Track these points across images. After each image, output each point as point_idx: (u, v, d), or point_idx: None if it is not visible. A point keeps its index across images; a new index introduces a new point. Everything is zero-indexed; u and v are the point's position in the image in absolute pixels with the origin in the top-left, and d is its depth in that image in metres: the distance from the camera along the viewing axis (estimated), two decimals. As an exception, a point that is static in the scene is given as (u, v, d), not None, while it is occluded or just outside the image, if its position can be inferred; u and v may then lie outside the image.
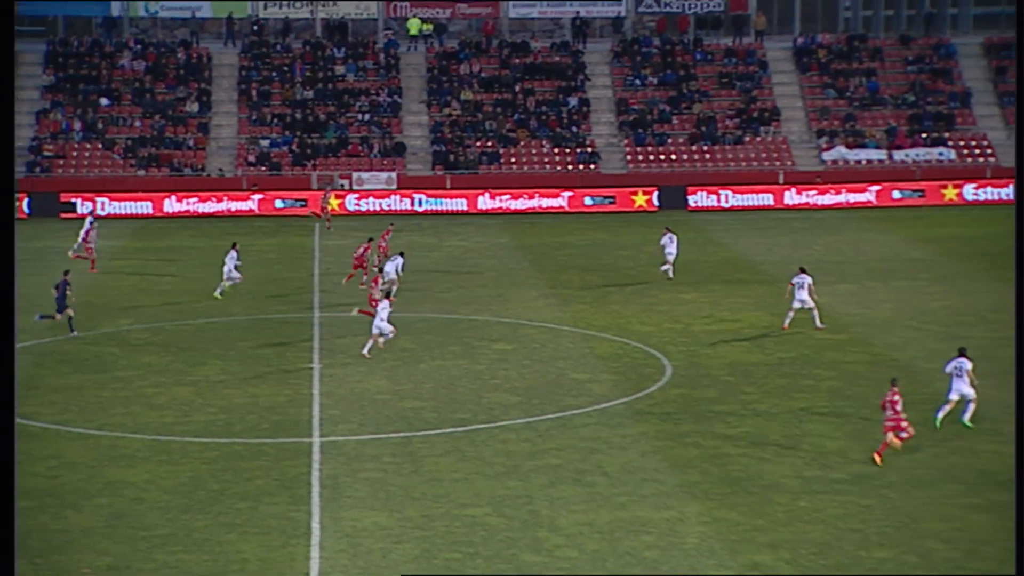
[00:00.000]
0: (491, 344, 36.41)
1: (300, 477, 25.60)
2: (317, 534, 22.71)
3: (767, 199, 63.11)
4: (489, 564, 21.52)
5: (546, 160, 66.82)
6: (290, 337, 37.27)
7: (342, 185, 62.64)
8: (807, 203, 62.47)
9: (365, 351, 34.56)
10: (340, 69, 70.79)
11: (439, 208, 63.00)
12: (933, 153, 66.27)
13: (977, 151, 66.51)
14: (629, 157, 67.18)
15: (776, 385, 31.88)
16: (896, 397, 26.00)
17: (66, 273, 37.99)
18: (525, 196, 62.81)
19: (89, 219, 49.11)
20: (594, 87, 71.16)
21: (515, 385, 32.23)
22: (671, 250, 44.73)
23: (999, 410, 29.18)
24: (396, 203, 62.77)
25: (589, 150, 67.10)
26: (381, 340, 34.58)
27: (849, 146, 67.06)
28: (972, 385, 27.75)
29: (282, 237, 55.80)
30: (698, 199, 63.16)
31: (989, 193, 63.04)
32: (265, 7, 72.50)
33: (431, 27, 73.24)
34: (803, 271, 37.44)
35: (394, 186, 63.85)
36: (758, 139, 68.01)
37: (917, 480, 24.88)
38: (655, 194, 63.27)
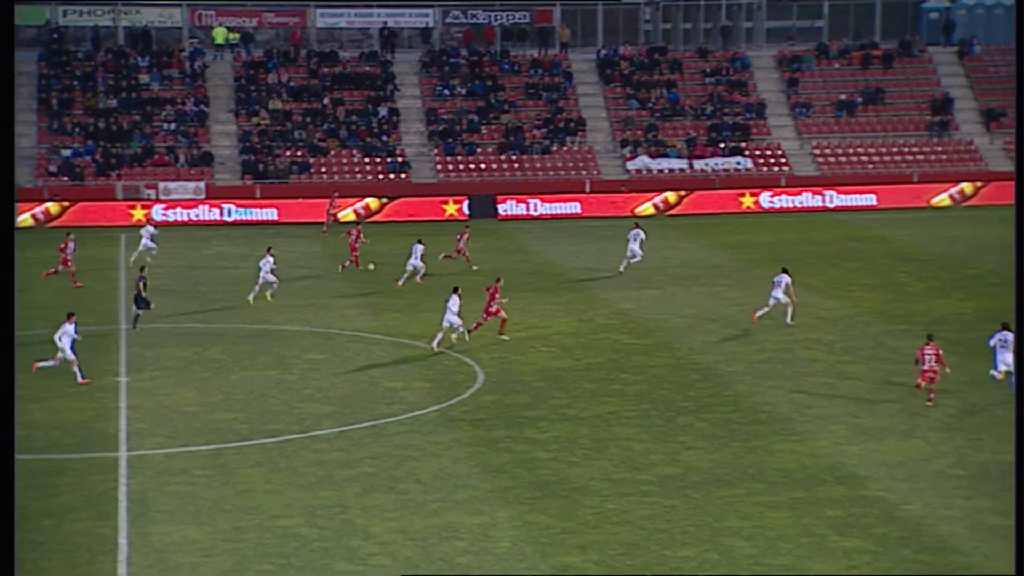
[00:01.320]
0: (303, 354, 36.08)
1: (107, 492, 24.96)
2: (124, 550, 22.18)
3: (574, 207, 64.00)
4: (301, 575, 21.32)
5: (357, 169, 66.54)
6: (96, 350, 36.27)
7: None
8: (614, 212, 63.62)
9: (435, 344, 35.93)
10: (144, 78, 69.29)
11: (249, 218, 62.15)
12: (731, 162, 68.13)
13: (772, 160, 68.63)
14: (439, 166, 67.35)
15: (585, 390, 32.35)
16: (932, 351, 29.97)
17: (142, 269, 41.03)
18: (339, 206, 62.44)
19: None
20: (403, 97, 71.15)
21: (328, 395, 32.01)
22: (633, 247, 46.80)
23: (793, 409, 30.18)
24: (205, 213, 61.72)
25: (400, 159, 67.04)
26: (454, 336, 36.10)
27: (652, 155, 68.48)
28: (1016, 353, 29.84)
29: (87, 248, 54.25)
30: (507, 208, 63.69)
31: (784, 201, 65.06)
32: (64, 14, 70.53)
33: (237, 36, 72.26)
34: (785, 271, 38.80)
35: (203, 196, 62.75)
36: (565, 149, 68.93)
37: (718, 480, 25.54)
38: (465, 203, 63.57)
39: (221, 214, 61.98)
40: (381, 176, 66.17)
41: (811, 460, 26.57)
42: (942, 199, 65.18)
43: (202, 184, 63.61)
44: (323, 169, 66.30)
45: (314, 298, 43.90)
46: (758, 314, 38.67)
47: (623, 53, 74.39)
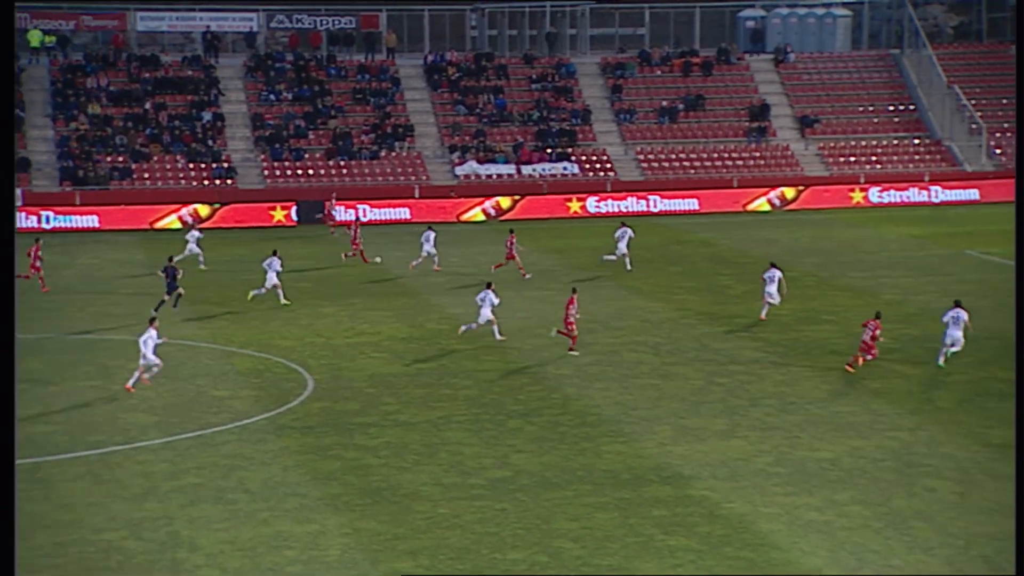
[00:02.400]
0: (127, 364, 35.22)
1: (-80, 511, 24.01)
2: (-60, 571, 21.36)
3: (404, 213, 63.93)
4: (127, 590, 20.87)
5: (181, 175, 65.34)
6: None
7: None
8: (448, 218, 63.74)
9: (497, 336, 37.30)
10: (-43, 80, 66.89)
11: (68, 225, 60.53)
12: (558, 168, 68.90)
13: (598, 166, 69.61)
14: (266, 172, 66.58)
15: (416, 395, 32.33)
16: (877, 330, 33.03)
17: (170, 259, 42.73)
18: (162, 212, 61.30)
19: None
20: (228, 102, 70.15)
21: (153, 405, 31.36)
22: (622, 245, 48.25)
23: (620, 411, 30.65)
24: (22, 220, 59.85)
25: (225, 165, 66.06)
26: (496, 332, 37.51)
27: (480, 161, 68.82)
28: (964, 334, 33.66)
29: None
30: (336, 214, 63.26)
31: (610, 205, 66.04)
32: None
33: (54, 39, 70.34)
34: (773, 266, 40.14)
35: (19, 203, 60.85)
36: (393, 154, 68.81)
37: (547, 482, 25.79)
38: (293, 209, 62.96)
39: (39, 221, 60.23)
40: (207, 182, 65.11)
41: (637, 461, 27.01)
42: (761, 203, 66.93)
43: (19, 191, 61.67)
44: (145, 175, 64.95)
45: (137, 307, 42.92)
46: (763, 313, 40.07)
47: (450, 59, 74.63)
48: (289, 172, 66.93)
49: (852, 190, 67.56)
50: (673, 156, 71.00)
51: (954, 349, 34.09)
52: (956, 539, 22.47)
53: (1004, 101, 75.74)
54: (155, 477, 26.04)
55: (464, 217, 63.99)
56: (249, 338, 38.22)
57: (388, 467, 26.74)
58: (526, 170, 68.55)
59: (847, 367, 33.72)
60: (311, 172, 67.07)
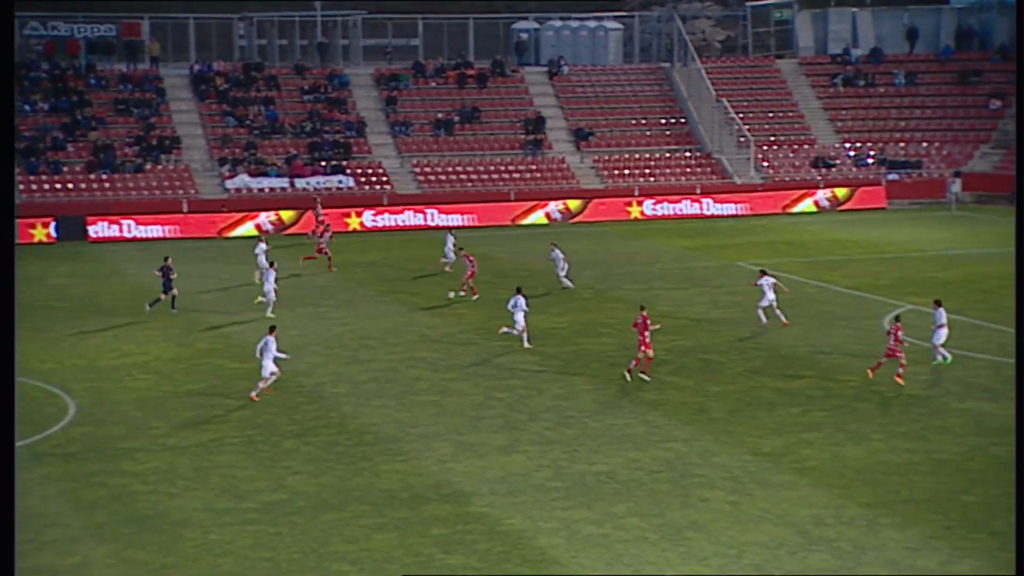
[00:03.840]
0: None
1: None
2: None
3: (171, 229, 62.63)
4: None
5: (-72, 190, 62.55)
6: None
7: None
8: (216, 234, 62.63)
9: (525, 343, 38.29)
10: None
11: None
12: (333, 181, 68.57)
13: (374, 179, 69.56)
14: (22, 187, 64.35)
15: (185, 417, 31.71)
16: (899, 331, 34.15)
17: (166, 259, 44.05)
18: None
19: None
20: (-20, 112, 67.51)
21: (-101, 436, 29.90)
22: (561, 265, 48.40)
23: (398, 429, 30.69)
24: None
25: (-23, 179, 63.55)
26: (525, 340, 38.51)
27: (252, 174, 67.97)
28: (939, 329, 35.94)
29: None
30: (99, 229, 61.66)
31: (387, 219, 66.08)
32: None
33: None
34: (764, 273, 41.14)
35: None
36: (159, 167, 67.40)
37: (324, 503, 25.63)
38: (53, 225, 61.06)
39: None
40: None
41: (417, 479, 27.08)
42: (539, 217, 67.94)
43: None
44: None
45: None
46: (763, 318, 40.81)
47: (217, 69, 73.55)
48: (47, 187, 64.88)
49: (630, 203, 69.23)
50: (450, 169, 71.52)
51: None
52: (729, 548, 23.24)
53: (770, 115, 78.88)
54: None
55: (231, 234, 63.05)
56: None
57: (156, 493, 26.16)
58: (300, 183, 68.03)
59: (896, 377, 33.88)
60: (71, 186, 65.15)
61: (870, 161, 75.86)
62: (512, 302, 38.91)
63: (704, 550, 23.21)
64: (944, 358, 36.02)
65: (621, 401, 33.08)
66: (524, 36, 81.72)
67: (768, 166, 75.04)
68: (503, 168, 72.26)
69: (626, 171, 73.32)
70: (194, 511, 25.16)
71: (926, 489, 26.08)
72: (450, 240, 52.60)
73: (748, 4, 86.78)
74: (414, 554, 23.10)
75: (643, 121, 77.52)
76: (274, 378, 33.16)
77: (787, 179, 73.69)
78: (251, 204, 65.66)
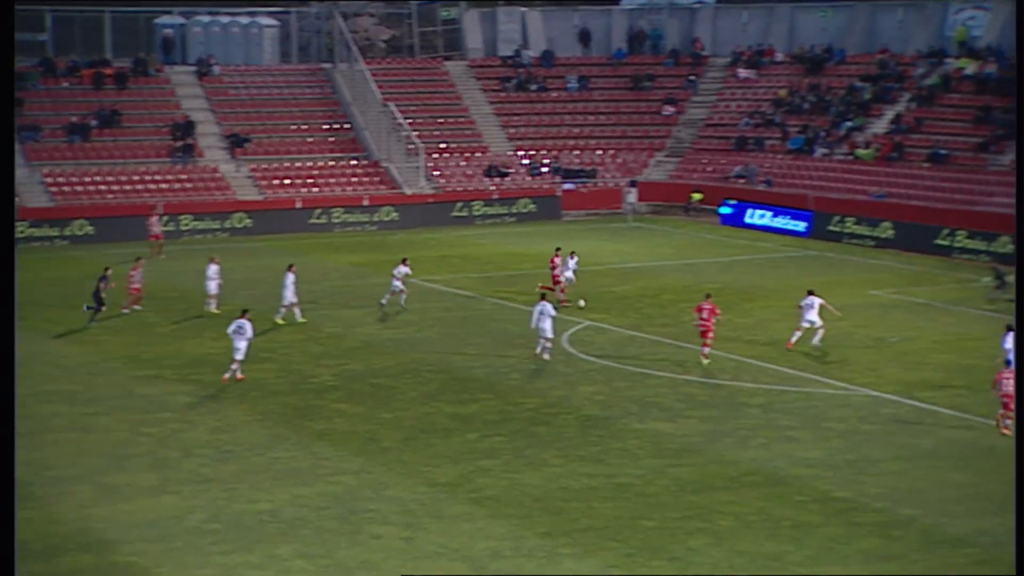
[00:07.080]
0: None
1: None
2: None
3: None
4: None
5: None
6: None
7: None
8: None
9: (544, 354, 39.70)
10: None
11: None
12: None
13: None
14: None
15: None
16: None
17: (106, 270, 45.62)
18: None
19: None
20: None
21: None
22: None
23: (31, 472, 29.47)
24: None
25: None
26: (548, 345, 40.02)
27: None
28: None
29: None
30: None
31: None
32: None
33: None
34: (811, 293, 41.99)
35: None
36: None
37: None
38: None
39: None
40: None
41: (52, 528, 26.08)
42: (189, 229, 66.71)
43: None
44: None
45: None
46: (793, 339, 41.53)
47: None
48: None
49: (309, 216, 69.06)
50: (87, 179, 69.31)
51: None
52: (404, 586, 23.38)
53: (440, 120, 80.00)
54: None
55: None
56: None
57: None
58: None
59: (1004, 430, 31.96)
60: None
61: (544, 170, 77.94)
62: (538, 309, 39.77)
63: (377, 591, 23.25)
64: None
65: (285, 432, 32.81)
66: (169, 32, 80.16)
67: (439, 175, 76.04)
68: (148, 177, 70.54)
69: (287, 181, 72.83)
70: None
71: (605, 516, 26.92)
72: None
73: (413, 2, 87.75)
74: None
75: (304, 127, 77.30)
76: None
77: (459, 189, 74.86)
78: None
